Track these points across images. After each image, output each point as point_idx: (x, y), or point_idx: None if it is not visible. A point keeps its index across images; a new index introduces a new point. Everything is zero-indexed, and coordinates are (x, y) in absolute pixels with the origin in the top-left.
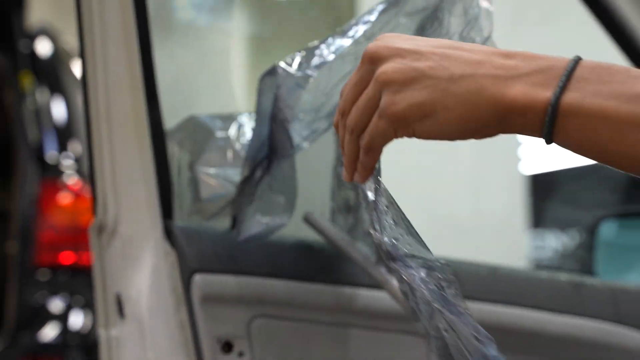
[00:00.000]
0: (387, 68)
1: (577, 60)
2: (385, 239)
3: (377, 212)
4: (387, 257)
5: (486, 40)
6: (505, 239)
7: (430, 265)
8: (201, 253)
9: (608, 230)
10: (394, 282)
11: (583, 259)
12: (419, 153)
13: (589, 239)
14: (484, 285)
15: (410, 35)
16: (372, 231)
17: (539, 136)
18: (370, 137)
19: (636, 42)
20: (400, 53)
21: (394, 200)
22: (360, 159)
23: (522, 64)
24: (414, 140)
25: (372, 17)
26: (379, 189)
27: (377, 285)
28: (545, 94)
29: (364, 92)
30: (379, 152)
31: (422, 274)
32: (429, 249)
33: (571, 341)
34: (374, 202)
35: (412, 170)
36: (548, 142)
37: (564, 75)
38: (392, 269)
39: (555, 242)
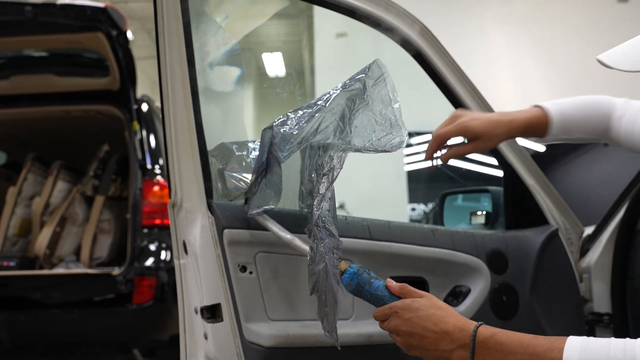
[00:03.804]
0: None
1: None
2: (317, 213)
3: (322, 201)
4: (315, 224)
5: (396, 121)
6: (395, 207)
7: (331, 236)
8: (227, 218)
9: (449, 200)
10: (300, 243)
11: (436, 216)
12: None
13: (439, 206)
14: (384, 232)
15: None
16: (314, 211)
17: None
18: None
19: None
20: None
21: (334, 196)
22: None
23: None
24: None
25: (325, 96)
26: (329, 188)
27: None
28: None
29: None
30: None
31: (326, 239)
32: (337, 229)
33: (429, 260)
34: (323, 194)
35: (351, 174)
36: None
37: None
38: (313, 230)
39: (422, 208)
